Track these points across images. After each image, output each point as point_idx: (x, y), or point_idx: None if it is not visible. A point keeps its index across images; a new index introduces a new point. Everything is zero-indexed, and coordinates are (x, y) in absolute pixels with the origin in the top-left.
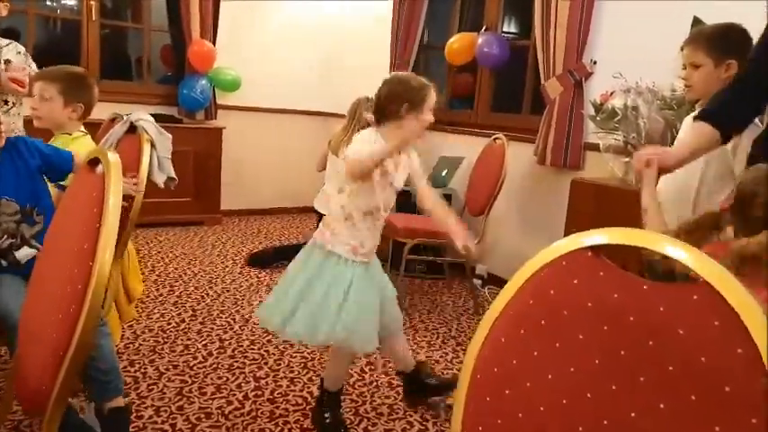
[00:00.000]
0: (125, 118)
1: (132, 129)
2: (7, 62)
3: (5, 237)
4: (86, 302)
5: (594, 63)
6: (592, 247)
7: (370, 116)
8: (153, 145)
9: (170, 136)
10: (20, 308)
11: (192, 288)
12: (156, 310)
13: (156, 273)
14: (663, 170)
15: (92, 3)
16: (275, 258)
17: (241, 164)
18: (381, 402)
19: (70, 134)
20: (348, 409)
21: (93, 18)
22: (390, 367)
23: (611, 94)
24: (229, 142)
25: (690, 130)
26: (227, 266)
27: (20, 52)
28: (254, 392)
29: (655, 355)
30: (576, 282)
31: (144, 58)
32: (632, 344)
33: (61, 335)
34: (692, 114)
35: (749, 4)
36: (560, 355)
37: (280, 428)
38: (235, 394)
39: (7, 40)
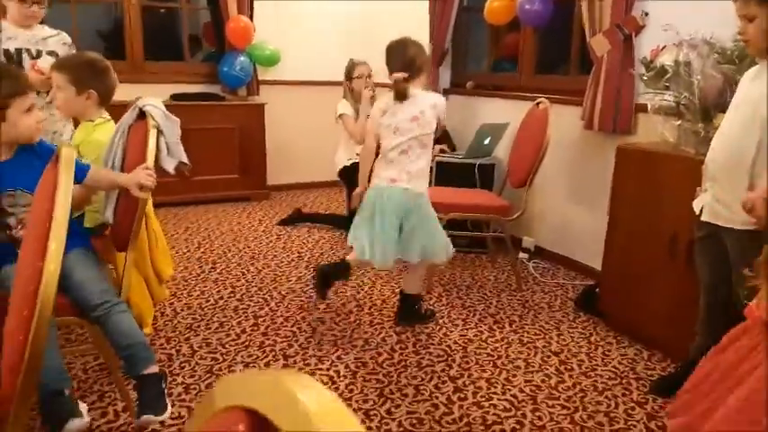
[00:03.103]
0: (135, 103)
1: (143, 114)
2: (51, 53)
3: (20, 226)
4: (37, 303)
5: (646, 15)
6: None
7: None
8: (160, 131)
9: (178, 120)
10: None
11: (234, 265)
12: (196, 288)
13: (202, 250)
14: None
15: None
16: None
17: (285, 138)
18: (407, 383)
19: (93, 121)
20: (373, 390)
21: (133, 1)
22: (421, 347)
23: (662, 49)
24: (272, 117)
25: None
26: (270, 242)
27: (65, 43)
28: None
29: None
30: None
31: (184, 37)
32: None
33: (17, 337)
34: (750, 72)
35: None
36: None
37: None
38: None
39: (55, 31)
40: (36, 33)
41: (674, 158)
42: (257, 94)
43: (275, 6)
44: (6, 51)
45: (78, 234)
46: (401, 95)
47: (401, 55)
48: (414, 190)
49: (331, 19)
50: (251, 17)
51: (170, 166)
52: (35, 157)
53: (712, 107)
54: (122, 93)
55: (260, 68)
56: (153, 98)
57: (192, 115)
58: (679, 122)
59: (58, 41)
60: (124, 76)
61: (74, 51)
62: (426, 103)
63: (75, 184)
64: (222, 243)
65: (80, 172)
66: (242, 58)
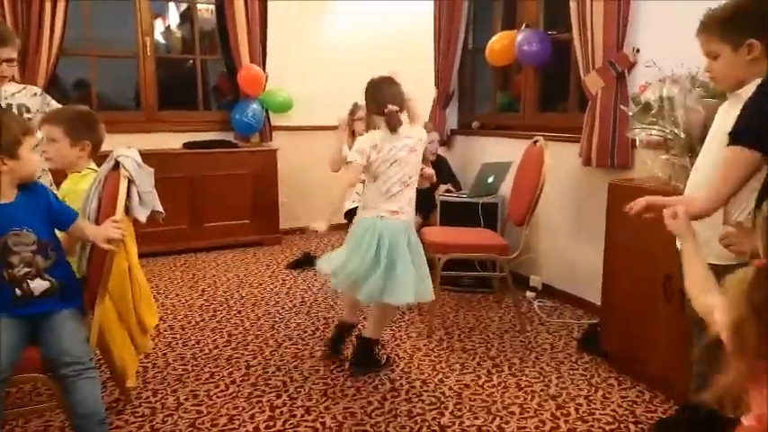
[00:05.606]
0: (111, 155)
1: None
2: (21, 106)
3: (22, 265)
4: None
5: (637, 51)
6: None
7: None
8: (132, 181)
9: (151, 170)
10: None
11: (235, 312)
12: (192, 337)
13: (204, 297)
14: (694, 218)
15: (146, 39)
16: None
17: (298, 182)
18: None
19: (80, 172)
20: None
21: (148, 53)
22: (414, 394)
23: (649, 85)
24: (285, 162)
25: (720, 160)
26: (275, 287)
27: (36, 94)
28: (265, 424)
29: None
30: None
31: (198, 87)
32: None
33: None
34: (723, 105)
35: None
36: None
37: None
38: (246, 426)
39: (21, 86)
40: (6, 89)
41: (663, 194)
42: (270, 139)
43: (288, 55)
44: None
45: (77, 289)
46: (396, 126)
47: (389, 88)
48: (410, 221)
49: (342, 65)
50: (263, 65)
51: (142, 215)
52: (35, 196)
53: (697, 141)
54: (136, 142)
55: (273, 115)
56: (128, 149)
57: (203, 162)
58: (666, 157)
59: (27, 94)
60: (138, 126)
61: (47, 100)
62: (418, 135)
63: (60, 231)
64: (227, 290)
65: (67, 219)
66: (254, 106)
